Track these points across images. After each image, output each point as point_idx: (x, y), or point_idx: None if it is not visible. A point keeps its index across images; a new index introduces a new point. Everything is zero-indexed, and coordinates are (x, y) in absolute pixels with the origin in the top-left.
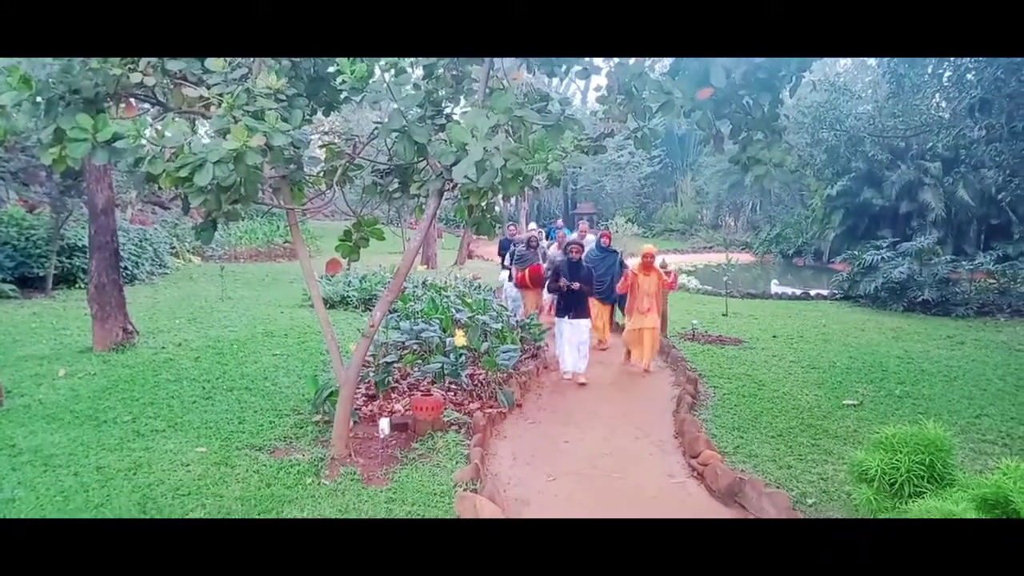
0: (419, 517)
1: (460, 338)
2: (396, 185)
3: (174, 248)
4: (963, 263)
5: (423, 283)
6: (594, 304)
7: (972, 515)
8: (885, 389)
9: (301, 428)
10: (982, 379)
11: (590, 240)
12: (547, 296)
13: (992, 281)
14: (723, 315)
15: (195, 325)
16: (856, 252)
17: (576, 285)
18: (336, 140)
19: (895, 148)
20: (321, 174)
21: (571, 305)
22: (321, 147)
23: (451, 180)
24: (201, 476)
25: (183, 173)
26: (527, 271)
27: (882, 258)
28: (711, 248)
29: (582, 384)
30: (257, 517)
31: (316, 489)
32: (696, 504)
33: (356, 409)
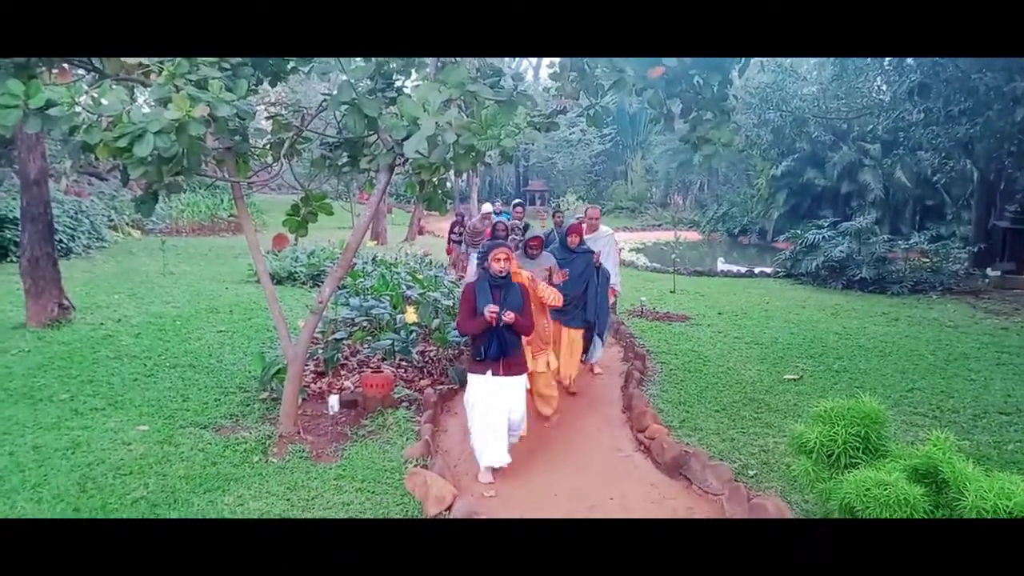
0: (370, 494)
1: (411, 315)
2: (345, 159)
3: (112, 221)
4: (899, 242)
5: (373, 259)
6: (561, 331)
7: (903, 484)
8: (824, 364)
9: (248, 406)
10: (915, 354)
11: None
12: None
13: (926, 260)
14: (671, 292)
15: (135, 301)
16: (798, 231)
17: (510, 316)
18: (283, 112)
19: (838, 130)
20: (267, 147)
21: (499, 350)
22: (268, 119)
23: (402, 155)
24: (143, 455)
25: (121, 143)
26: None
27: (823, 237)
28: (660, 226)
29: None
30: (205, 495)
31: (264, 467)
32: (642, 476)
33: (305, 386)
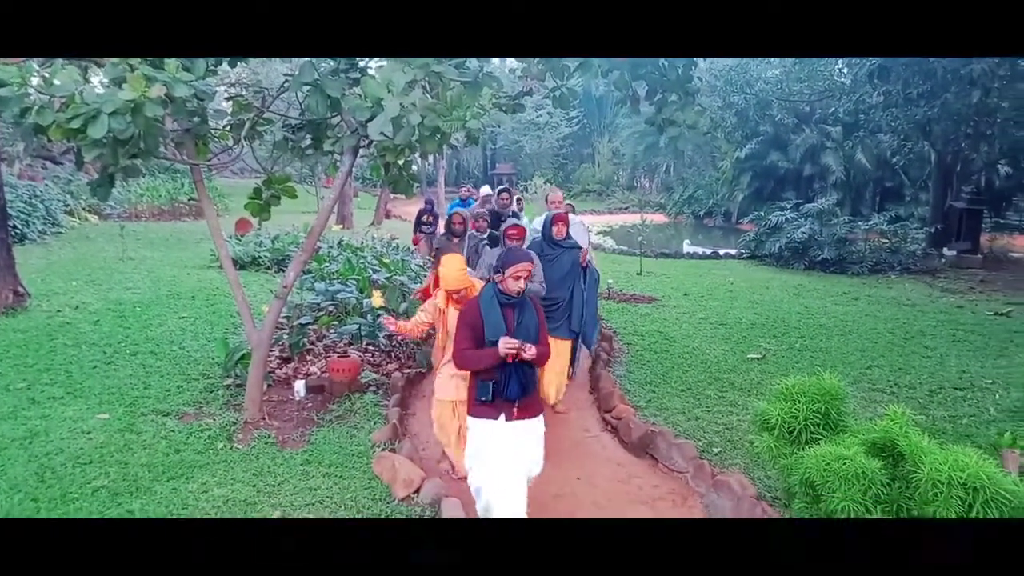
0: (338, 479)
1: (377, 299)
2: (308, 141)
3: (68, 206)
4: (859, 223)
5: (339, 243)
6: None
7: (861, 458)
8: (787, 343)
9: (211, 392)
10: (874, 332)
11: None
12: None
13: (885, 241)
14: (638, 274)
15: (93, 287)
16: (762, 213)
17: (532, 351)
18: (244, 93)
19: (800, 112)
20: (227, 128)
21: (519, 389)
22: (227, 99)
23: (366, 137)
24: (104, 444)
25: (75, 125)
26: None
27: (786, 219)
28: (627, 209)
29: None
30: (168, 483)
31: (228, 454)
32: (609, 456)
33: (270, 372)
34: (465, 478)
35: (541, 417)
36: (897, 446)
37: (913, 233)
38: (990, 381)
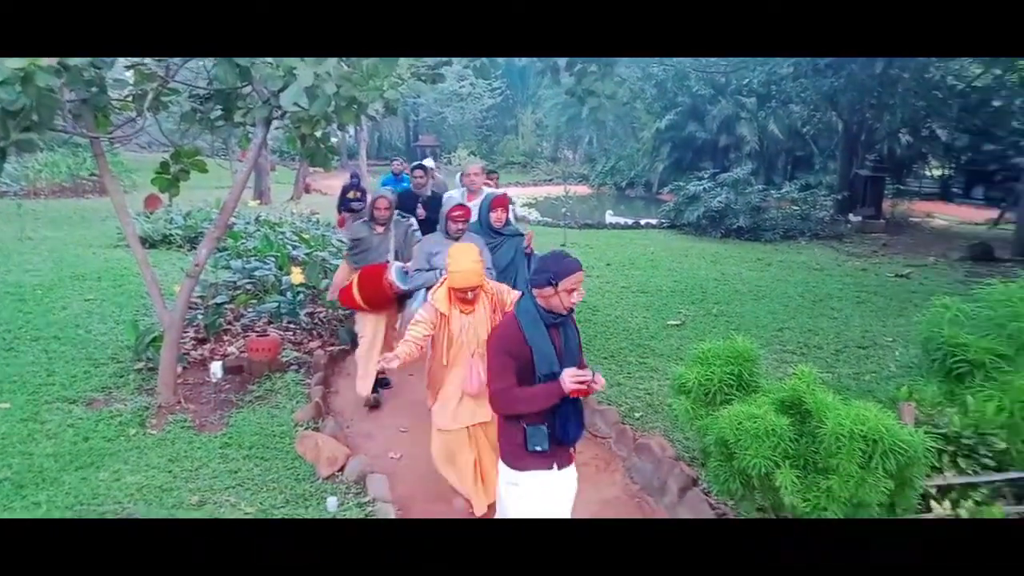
0: (259, 460)
1: (297, 275)
2: (218, 112)
3: None
4: (772, 192)
5: (256, 219)
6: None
7: (771, 416)
8: (704, 309)
9: (121, 377)
10: (785, 296)
11: (453, 197)
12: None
13: (796, 208)
14: (562, 245)
15: None
16: (681, 183)
17: (602, 381)
18: (146, 61)
19: (717, 83)
20: (130, 99)
21: (575, 427)
22: (128, 68)
23: (279, 107)
24: (5, 435)
25: None
26: (359, 276)
27: (703, 189)
28: (551, 181)
29: None
30: (76, 472)
31: (141, 440)
32: None
33: (184, 354)
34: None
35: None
36: (804, 403)
37: (822, 200)
38: (890, 339)
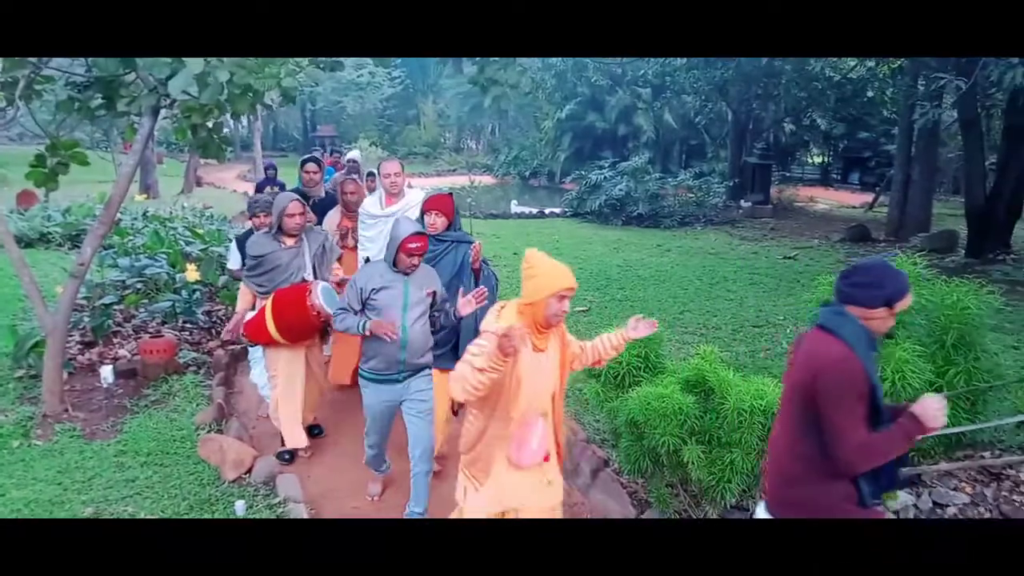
0: (158, 467)
1: (192, 273)
2: (99, 101)
3: None
4: (669, 180)
5: (144, 215)
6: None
7: (677, 395)
8: (609, 295)
9: (0, 386)
10: (685, 280)
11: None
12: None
13: (691, 195)
14: (473, 233)
15: None
16: (583, 172)
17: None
18: None
19: (614, 74)
20: None
21: (893, 470)
22: None
23: (167, 96)
24: None
25: None
26: (273, 302)
27: (604, 177)
28: (454, 171)
29: None
30: None
31: (26, 452)
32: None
33: (71, 359)
34: None
35: None
36: (708, 382)
37: (715, 187)
38: (782, 317)
